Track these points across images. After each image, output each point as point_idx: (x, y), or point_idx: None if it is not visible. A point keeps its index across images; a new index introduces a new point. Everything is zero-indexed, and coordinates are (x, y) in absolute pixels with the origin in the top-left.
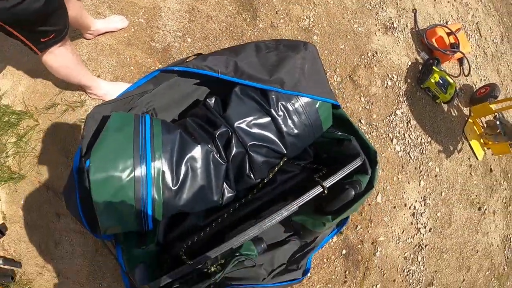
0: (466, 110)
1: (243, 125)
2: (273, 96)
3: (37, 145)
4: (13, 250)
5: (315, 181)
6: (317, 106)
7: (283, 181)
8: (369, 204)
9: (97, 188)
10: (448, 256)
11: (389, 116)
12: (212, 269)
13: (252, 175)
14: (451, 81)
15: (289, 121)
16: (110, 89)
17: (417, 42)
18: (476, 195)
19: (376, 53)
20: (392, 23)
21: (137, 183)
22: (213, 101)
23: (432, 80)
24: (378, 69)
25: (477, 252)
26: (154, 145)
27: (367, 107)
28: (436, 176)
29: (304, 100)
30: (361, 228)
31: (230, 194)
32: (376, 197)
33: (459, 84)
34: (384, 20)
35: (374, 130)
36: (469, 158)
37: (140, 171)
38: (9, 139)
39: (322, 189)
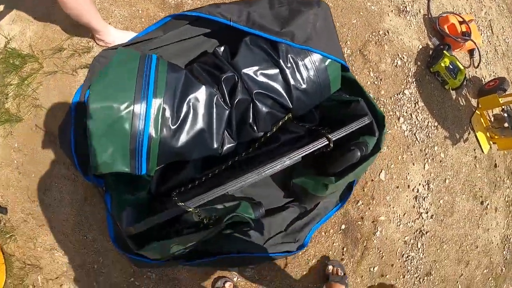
0: (474, 102)
1: (251, 72)
2: (283, 48)
3: (38, 88)
4: (0, 195)
5: (321, 133)
6: (326, 64)
7: (287, 141)
8: (372, 180)
9: (94, 116)
10: (448, 247)
11: (397, 95)
12: (205, 221)
13: (255, 126)
14: (461, 67)
15: (297, 75)
16: (119, 37)
17: (429, 28)
18: (480, 188)
19: (388, 32)
20: (405, 7)
21: (135, 117)
22: (222, 49)
23: (442, 64)
24: (388, 47)
25: (477, 247)
26: (157, 82)
27: (376, 82)
28: (441, 161)
29: (314, 56)
30: (362, 204)
31: (230, 144)
32: (379, 174)
33: (469, 75)
34: (398, 2)
35: (382, 106)
36: (474, 150)
37: (140, 105)
38: (11, 81)
39: (327, 142)
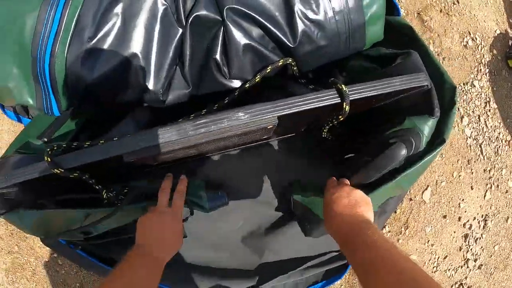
0: None
1: None
2: None
3: None
4: None
5: (329, 84)
6: None
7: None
8: (411, 199)
9: None
10: None
11: (464, 85)
12: (104, 196)
13: (224, 67)
14: None
15: None
16: None
17: (509, 12)
18: None
19: (458, 2)
20: None
21: (39, 24)
22: None
23: None
24: (457, 20)
25: None
26: None
27: (438, 57)
28: (507, 192)
29: None
30: (390, 231)
31: (181, 91)
32: (423, 192)
33: None
34: None
35: None
36: None
37: (47, 9)
38: None
39: (338, 99)
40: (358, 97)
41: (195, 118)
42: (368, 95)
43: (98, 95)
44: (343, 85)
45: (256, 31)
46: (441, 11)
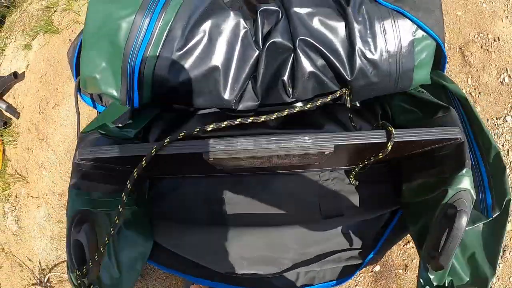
0: None
1: (303, 12)
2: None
3: (84, 5)
4: (20, 100)
5: (379, 125)
6: (415, 37)
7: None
8: None
9: (91, 17)
10: None
11: (497, 119)
12: (124, 197)
13: (289, 87)
14: None
15: (369, 37)
16: None
17: None
18: None
19: (498, 39)
20: None
21: (134, 28)
22: None
23: None
24: (496, 56)
25: None
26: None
27: (472, 93)
28: None
29: (400, 22)
30: (413, 247)
31: (251, 103)
32: None
33: None
34: None
35: None
36: None
37: (142, 18)
38: None
39: (384, 138)
40: (401, 139)
41: (269, 135)
42: (410, 139)
43: (178, 96)
44: (391, 128)
45: (320, 62)
46: (481, 47)
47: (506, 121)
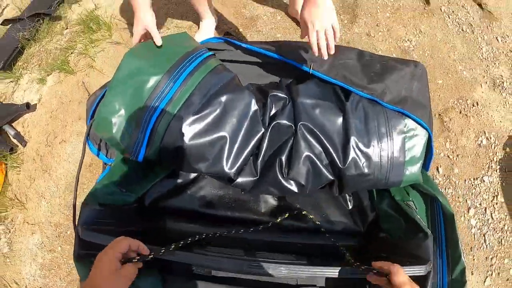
0: None
1: (308, 102)
2: (356, 97)
3: (99, 52)
4: (28, 130)
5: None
6: (406, 134)
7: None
8: None
9: (123, 66)
10: None
11: (474, 179)
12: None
13: (285, 166)
14: None
15: (363, 131)
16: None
17: None
18: None
19: (477, 104)
20: (503, 82)
21: (158, 87)
22: (287, 81)
23: None
24: (475, 120)
25: None
26: (196, 71)
27: (451, 156)
28: (508, 280)
29: (393, 119)
30: None
31: (249, 178)
32: None
33: None
34: (494, 76)
35: (451, 188)
36: None
37: (167, 81)
38: (83, 40)
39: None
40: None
41: (251, 261)
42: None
43: (183, 158)
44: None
45: (317, 148)
46: (460, 112)
47: (484, 181)
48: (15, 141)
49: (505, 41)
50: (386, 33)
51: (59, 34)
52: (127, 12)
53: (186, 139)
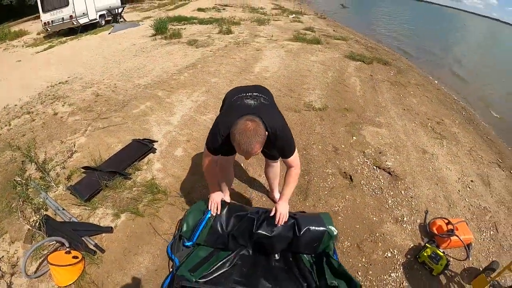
0: None
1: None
2: None
3: (160, 208)
4: (105, 244)
5: None
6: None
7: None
8: None
9: (192, 210)
10: None
11: (384, 275)
12: None
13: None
14: (442, 254)
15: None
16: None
17: (423, 232)
18: None
19: (384, 235)
20: (403, 218)
21: (205, 215)
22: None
23: (425, 254)
24: (382, 244)
25: None
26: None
27: (366, 265)
28: None
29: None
30: None
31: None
32: None
33: (464, 265)
34: (397, 216)
35: (368, 282)
36: None
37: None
38: (147, 196)
39: None
40: None
41: None
42: None
43: (223, 243)
44: None
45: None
46: (371, 241)
47: (391, 276)
48: (94, 248)
49: (407, 192)
50: (324, 204)
51: (128, 189)
52: (175, 185)
53: (220, 232)
